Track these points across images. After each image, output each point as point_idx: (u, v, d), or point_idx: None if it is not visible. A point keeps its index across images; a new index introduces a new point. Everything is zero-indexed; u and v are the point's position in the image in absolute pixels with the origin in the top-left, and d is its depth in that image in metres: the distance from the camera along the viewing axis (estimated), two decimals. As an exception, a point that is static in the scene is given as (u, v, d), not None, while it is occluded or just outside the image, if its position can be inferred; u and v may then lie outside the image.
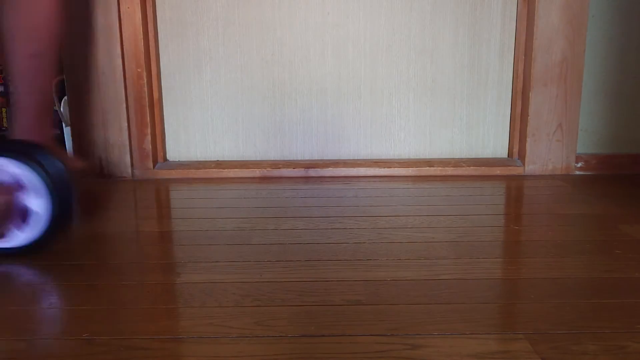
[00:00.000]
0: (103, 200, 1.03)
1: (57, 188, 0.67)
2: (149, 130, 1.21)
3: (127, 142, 1.20)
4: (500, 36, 1.23)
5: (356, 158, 1.28)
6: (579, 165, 1.21)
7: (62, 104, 1.23)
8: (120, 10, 1.16)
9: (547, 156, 1.20)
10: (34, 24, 0.71)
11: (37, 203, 0.68)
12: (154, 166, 1.24)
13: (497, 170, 1.21)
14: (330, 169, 1.22)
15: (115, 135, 1.20)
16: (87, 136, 1.20)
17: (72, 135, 1.20)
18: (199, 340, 0.50)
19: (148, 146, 1.22)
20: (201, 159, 1.29)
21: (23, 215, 0.68)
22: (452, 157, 1.29)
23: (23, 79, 0.72)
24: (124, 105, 1.19)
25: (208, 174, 1.22)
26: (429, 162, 1.24)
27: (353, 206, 0.96)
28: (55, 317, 0.55)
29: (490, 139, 1.28)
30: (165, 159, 1.29)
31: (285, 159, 1.29)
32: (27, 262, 0.69)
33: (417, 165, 1.22)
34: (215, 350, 0.48)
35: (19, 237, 0.69)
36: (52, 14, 0.71)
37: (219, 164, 1.25)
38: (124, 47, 1.17)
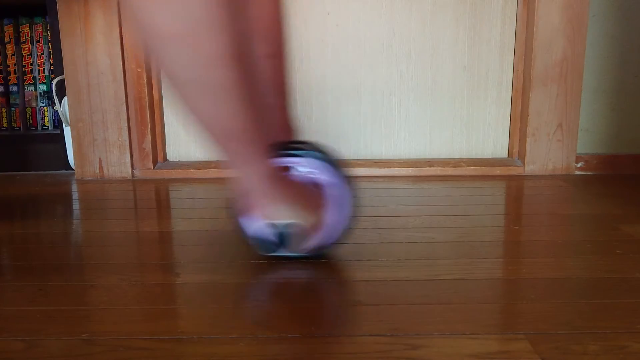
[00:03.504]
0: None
1: (351, 188, 0.66)
2: (149, 130, 1.21)
3: (127, 142, 1.20)
4: (500, 36, 1.23)
5: (356, 158, 1.28)
6: (579, 165, 1.21)
7: (62, 104, 1.23)
8: (120, 10, 1.16)
9: (547, 156, 1.20)
10: (269, 25, 0.68)
11: (336, 204, 0.66)
12: (154, 166, 1.24)
13: (497, 170, 1.21)
14: (330, 169, 1.21)
15: (115, 135, 1.20)
16: (87, 136, 1.20)
17: (72, 135, 1.20)
18: (199, 340, 0.50)
19: (148, 146, 1.22)
20: (201, 159, 1.29)
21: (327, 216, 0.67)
22: (452, 157, 1.29)
23: (265, 81, 0.69)
24: (124, 105, 1.18)
25: (208, 174, 1.22)
26: (429, 162, 1.24)
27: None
28: (55, 317, 0.55)
29: (490, 139, 1.28)
30: (165, 159, 1.29)
31: (285, 159, 1.28)
32: (26, 263, 0.69)
33: (417, 165, 1.22)
34: (215, 350, 0.48)
35: (321, 239, 0.67)
36: (281, 12, 0.68)
37: (219, 164, 1.24)
38: (124, 47, 1.17)
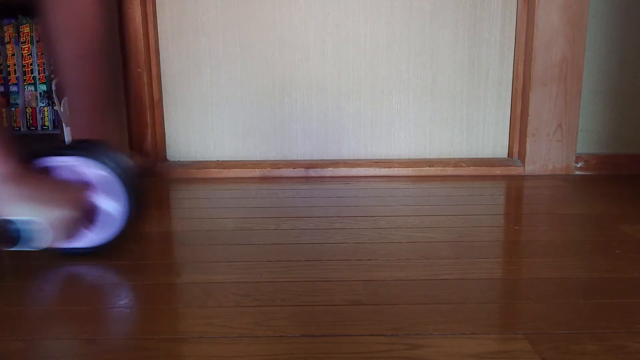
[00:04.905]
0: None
1: (129, 186, 0.67)
2: (149, 130, 1.21)
3: (127, 142, 1.20)
4: (500, 36, 1.23)
5: (356, 158, 1.28)
6: (579, 165, 1.21)
7: (62, 104, 1.23)
8: (120, 10, 1.16)
9: (547, 156, 1.20)
10: (78, 24, 0.70)
11: (107, 202, 0.67)
12: (154, 166, 1.24)
13: (497, 170, 1.21)
14: (330, 169, 1.22)
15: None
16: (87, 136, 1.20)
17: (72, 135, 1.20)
18: (199, 340, 0.50)
19: (148, 146, 1.22)
20: (201, 159, 1.29)
21: (93, 215, 0.68)
22: (452, 157, 1.29)
23: (72, 80, 0.71)
24: (124, 105, 1.18)
25: (208, 174, 1.22)
26: (429, 162, 1.24)
27: (353, 206, 0.96)
28: (54, 317, 0.55)
29: (490, 139, 1.28)
30: (165, 159, 1.29)
31: (285, 159, 1.29)
32: (27, 262, 0.69)
33: (417, 165, 1.22)
34: (215, 350, 0.48)
35: (89, 238, 0.69)
36: (95, 12, 0.70)
37: (219, 164, 1.25)
38: (124, 47, 1.17)
